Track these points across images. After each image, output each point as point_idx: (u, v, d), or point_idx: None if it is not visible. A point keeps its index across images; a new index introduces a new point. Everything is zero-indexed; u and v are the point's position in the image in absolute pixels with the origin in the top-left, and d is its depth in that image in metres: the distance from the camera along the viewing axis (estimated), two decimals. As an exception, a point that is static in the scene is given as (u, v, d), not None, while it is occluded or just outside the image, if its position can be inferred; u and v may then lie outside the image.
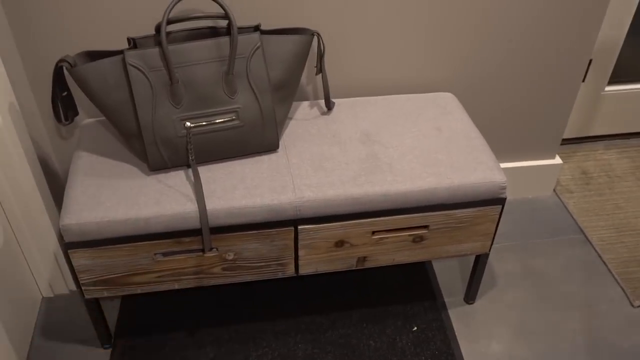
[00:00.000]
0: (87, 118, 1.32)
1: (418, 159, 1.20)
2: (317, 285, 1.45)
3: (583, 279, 1.51)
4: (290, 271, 1.22)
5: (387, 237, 1.20)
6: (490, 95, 1.51)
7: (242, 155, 1.20)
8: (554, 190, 1.77)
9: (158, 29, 1.11)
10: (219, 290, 1.44)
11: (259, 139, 1.18)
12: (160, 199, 1.10)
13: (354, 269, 1.25)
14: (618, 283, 1.49)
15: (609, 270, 1.53)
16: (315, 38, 1.23)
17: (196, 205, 1.09)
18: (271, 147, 1.20)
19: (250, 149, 1.18)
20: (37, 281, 1.39)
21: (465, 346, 1.34)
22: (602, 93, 1.82)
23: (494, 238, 1.27)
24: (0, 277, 1.21)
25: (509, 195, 1.72)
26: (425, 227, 1.20)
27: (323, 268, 1.23)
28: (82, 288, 1.15)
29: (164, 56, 1.07)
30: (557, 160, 1.69)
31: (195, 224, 1.09)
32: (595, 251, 1.58)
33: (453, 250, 1.26)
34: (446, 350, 1.31)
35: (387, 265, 1.27)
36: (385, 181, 1.15)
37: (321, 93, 1.41)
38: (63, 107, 1.16)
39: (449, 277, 1.49)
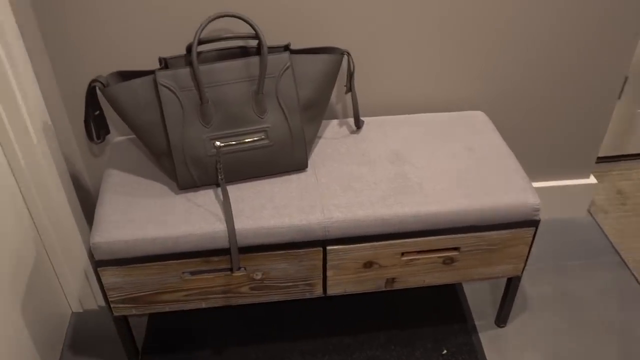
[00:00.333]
0: (118, 136, 1.33)
1: (449, 179, 1.18)
2: (345, 306, 1.43)
3: (619, 303, 1.46)
4: (318, 291, 1.21)
5: (416, 259, 1.18)
6: (522, 113, 1.48)
7: (271, 175, 1.19)
8: (589, 210, 1.72)
9: (189, 49, 1.11)
10: (246, 310, 1.43)
11: (287, 159, 1.17)
12: (190, 218, 1.10)
13: (382, 290, 1.23)
14: (656, 308, 1.44)
15: (646, 294, 1.48)
16: (345, 57, 1.23)
17: (225, 224, 1.09)
18: (300, 166, 1.20)
19: (279, 168, 1.18)
20: (67, 296, 1.41)
21: (496, 371, 1.31)
22: (638, 111, 1.78)
23: (526, 260, 1.24)
24: (31, 292, 1.22)
25: (542, 216, 1.68)
26: (456, 249, 1.18)
27: (351, 289, 1.21)
28: (111, 305, 1.16)
29: (195, 76, 1.08)
30: (592, 179, 1.65)
31: (223, 243, 1.09)
32: (632, 274, 1.53)
33: (484, 272, 1.24)
34: (477, 375, 1.28)
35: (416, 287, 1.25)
36: (415, 202, 1.13)
37: (350, 111, 1.41)
38: (95, 126, 1.17)
39: (480, 299, 1.46)
